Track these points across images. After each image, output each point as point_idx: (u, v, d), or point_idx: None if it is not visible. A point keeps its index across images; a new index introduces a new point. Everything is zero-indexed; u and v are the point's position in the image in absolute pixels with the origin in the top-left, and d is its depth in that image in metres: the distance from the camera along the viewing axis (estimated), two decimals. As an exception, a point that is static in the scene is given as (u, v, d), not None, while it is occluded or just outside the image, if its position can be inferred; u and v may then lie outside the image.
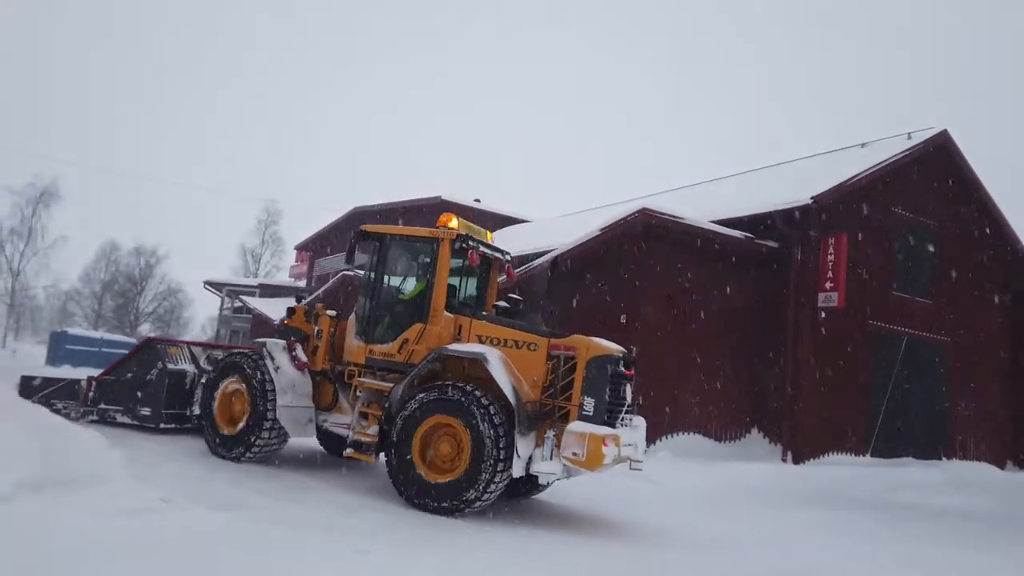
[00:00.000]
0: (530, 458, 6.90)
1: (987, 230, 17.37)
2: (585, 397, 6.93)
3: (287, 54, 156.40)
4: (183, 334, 57.40)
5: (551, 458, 6.77)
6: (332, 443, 9.64)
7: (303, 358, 8.61)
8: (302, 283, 38.28)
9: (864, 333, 14.92)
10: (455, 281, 8.61)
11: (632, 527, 7.80)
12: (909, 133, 16.69)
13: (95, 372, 11.33)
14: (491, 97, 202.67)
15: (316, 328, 8.84)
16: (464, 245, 7.95)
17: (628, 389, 7.36)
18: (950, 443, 16.44)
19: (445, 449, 7.13)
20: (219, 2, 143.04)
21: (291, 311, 9.22)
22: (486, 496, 6.87)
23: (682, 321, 13.52)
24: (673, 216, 12.99)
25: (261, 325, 30.35)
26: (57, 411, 9.01)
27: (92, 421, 9.97)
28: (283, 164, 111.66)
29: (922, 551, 7.97)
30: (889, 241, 15.62)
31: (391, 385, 7.79)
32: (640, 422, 7.80)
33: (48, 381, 10.76)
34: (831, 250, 13.81)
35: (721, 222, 14.06)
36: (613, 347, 7.32)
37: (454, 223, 8.03)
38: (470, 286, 9.01)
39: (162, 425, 9.76)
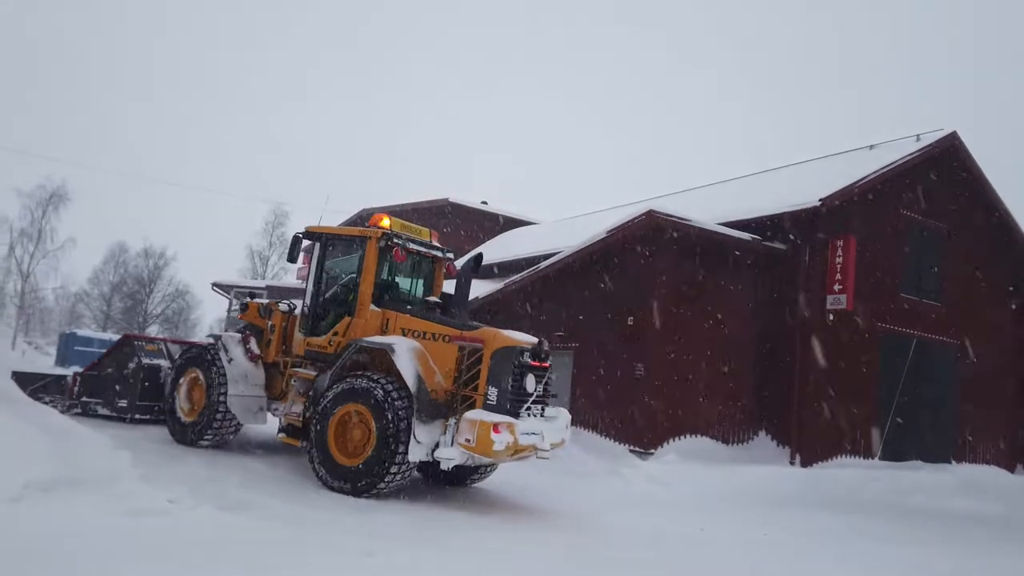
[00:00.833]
0: (438, 444, 7.25)
1: (996, 232, 17.26)
2: (489, 387, 7.31)
3: (296, 56, 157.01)
4: (191, 335, 57.60)
5: (452, 444, 7.14)
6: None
7: (256, 350, 9.21)
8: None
9: (873, 336, 14.84)
10: (407, 278, 9.36)
11: (631, 529, 7.77)
12: (918, 135, 16.60)
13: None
14: (499, 98, 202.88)
15: (269, 322, 9.39)
16: (389, 243, 8.45)
17: (533, 380, 7.57)
18: (960, 446, 16.33)
19: (357, 435, 7.55)
20: (230, 4, 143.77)
21: (244, 307, 9.94)
22: (389, 478, 7.27)
23: (690, 323, 13.47)
24: (680, 218, 12.96)
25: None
26: (45, 404, 9.57)
27: (76, 414, 10.53)
28: (291, 166, 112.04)
29: (932, 556, 7.92)
30: (898, 243, 15.54)
31: (315, 374, 8.36)
32: (560, 413, 8.16)
33: (36, 376, 11.62)
34: (839, 252, 13.74)
35: (729, 224, 14.01)
36: (522, 339, 7.62)
37: (385, 223, 8.60)
38: (419, 284, 9.59)
39: (137, 416, 10.47)
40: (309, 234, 9.07)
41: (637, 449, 12.59)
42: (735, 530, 8.26)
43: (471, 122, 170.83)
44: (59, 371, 12.91)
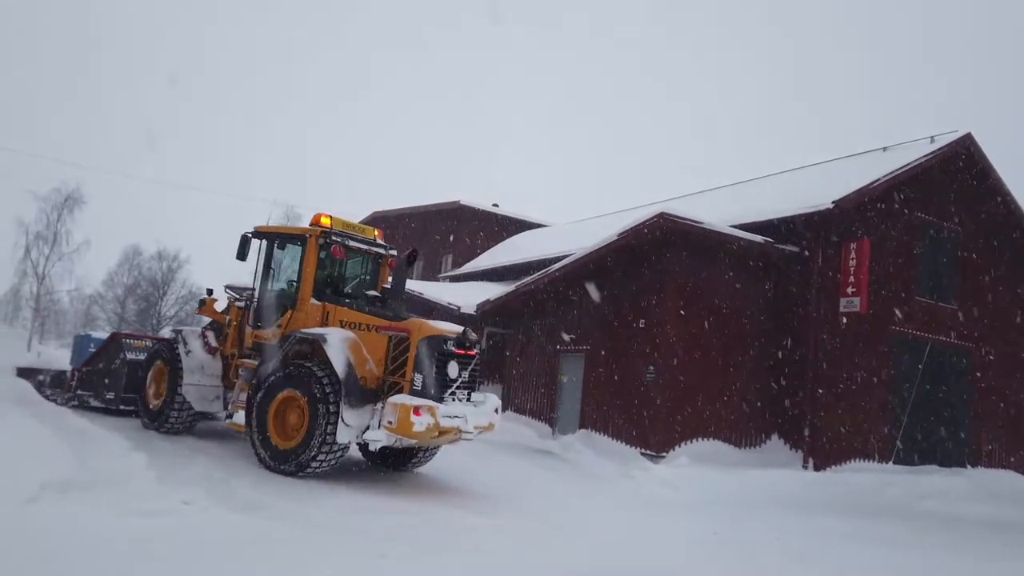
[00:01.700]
0: (369, 427, 7.70)
1: (1013, 234, 17.08)
2: (415, 373, 7.80)
3: (309, 59, 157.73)
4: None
5: (379, 427, 7.58)
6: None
7: (213, 343, 9.95)
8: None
9: (887, 339, 14.73)
10: (353, 274, 9.95)
11: (642, 533, 7.75)
12: (932, 137, 16.47)
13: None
14: (510, 100, 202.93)
15: (227, 317, 10.05)
16: (328, 240, 9.02)
17: (456, 366, 8.10)
18: (975, 450, 16.17)
19: (293, 419, 8.11)
20: (243, 8, 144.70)
21: (202, 302, 10.76)
22: (320, 458, 7.77)
23: (701, 326, 13.43)
24: (692, 220, 12.91)
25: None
26: (47, 397, 11.89)
27: (74, 406, 11.68)
28: (303, 169, 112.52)
29: (946, 562, 7.84)
30: (912, 245, 15.42)
31: (258, 364, 8.92)
32: (488, 398, 8.66)
33: (38, 371, 13.28)
34: (853, 254, 13.65)
35: (741, 226, 13.95)
36: (447, 328, 8.14)
37: (325, 221, 9.16)
38: (364, 279, 10.11)
39: (122, 407, 11.26)
40: (258, 234, 9.70)
41: (648, 452, 12.55)
42: (747, 534, 8.22)
43: (480, 125, 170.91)
44: (57, 367, 14.01)
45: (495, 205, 29.19)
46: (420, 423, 7.37)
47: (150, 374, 10.49)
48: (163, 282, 58.72)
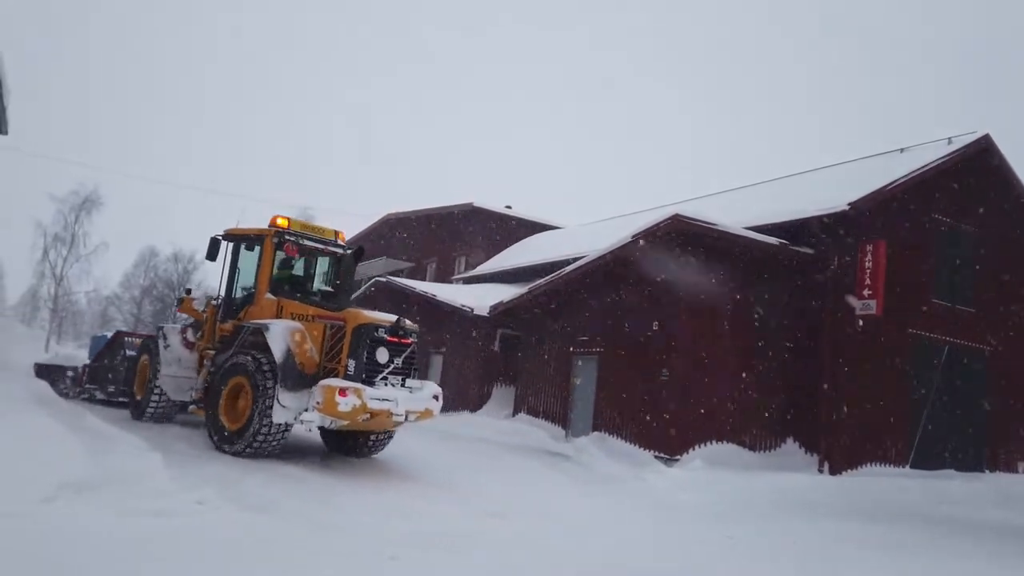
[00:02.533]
0: (306, 409, 8.13)
1: (1032, 236, 16.88)
2: (349, 359, 8.33)
3: (323, 61, 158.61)
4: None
5: (313, 409, 8.04)
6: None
7: (191, 338, 10.71)
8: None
9: (903, 342, 14.58)
10: (323, 270, 10.65)
11: (655, 536, 7.70)
12: (950, 138, 16.29)
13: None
14: (520, 104, 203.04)
15: (205, 314, 10.73)
16: (282, 240, 9.68)
17: (387, 352, 8.51)
18: (993, 455, 15.97)
19: (242, 404, 8.70)
20: (261, 8, 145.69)
21: (180, 300, 11.50)
22: (261, 437, 8.34)
23: (716, 329, 13.35)
24: (706, 222, 12.84)
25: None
26: (59, 391, 12.44)
27: (84, 399, 12.80)
28: (317, 171, 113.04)
29: (964, 568, 7.74)
30: (929, 248, 15.25)
31: (215, 353, 9.65)
32: (426, 386, 9.04)
33: (52, 368, 14.51)
34: (869, 256, 13.51)
35: (756, 229, 13.84)
36: (380, 317, 8.66)
37: (280, 222, 9.79)
38: (323, 275, 10.78)
39: (122, 399, 11.99)
40: (226, 236, 10.36)
41: (662, 455, 12.49)
42: (762, 538, 8.15)
43: (498, 126, 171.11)
44: (66, 363, 14.98)
45: (508, 207, 29.17)
46: (345, 404, 7.82)
47: (137, 367, 11.34)
48: (179, 283, 59.17)
